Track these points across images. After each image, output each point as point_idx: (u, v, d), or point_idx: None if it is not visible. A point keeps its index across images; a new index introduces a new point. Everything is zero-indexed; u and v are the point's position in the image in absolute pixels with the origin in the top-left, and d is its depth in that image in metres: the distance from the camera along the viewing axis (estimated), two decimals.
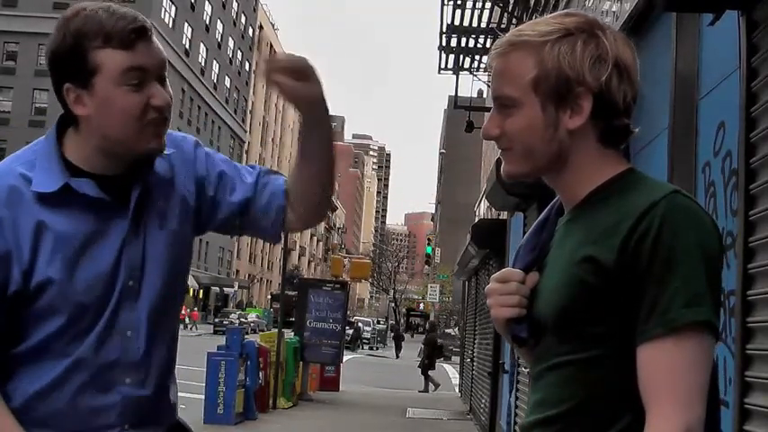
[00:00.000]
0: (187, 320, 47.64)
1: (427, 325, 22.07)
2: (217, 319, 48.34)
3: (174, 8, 57.25)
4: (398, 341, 47.56)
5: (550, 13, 1.58)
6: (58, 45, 1.69)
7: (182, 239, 1.86)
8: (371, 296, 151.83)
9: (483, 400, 14.28)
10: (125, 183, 1.75)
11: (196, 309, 56.44)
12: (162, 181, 1.82)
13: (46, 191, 1.68)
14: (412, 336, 61.19)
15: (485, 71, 14.51)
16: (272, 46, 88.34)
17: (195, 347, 26.17)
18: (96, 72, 1.66)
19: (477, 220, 19.03)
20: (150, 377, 1.80)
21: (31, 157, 1.74)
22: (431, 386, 21.24)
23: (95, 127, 1.70)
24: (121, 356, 1.74)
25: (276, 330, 15.32)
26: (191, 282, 62.31)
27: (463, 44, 13.53)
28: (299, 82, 1.78)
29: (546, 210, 1.61)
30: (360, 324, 50.03)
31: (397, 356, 44.58)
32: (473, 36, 13.34)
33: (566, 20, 1.48)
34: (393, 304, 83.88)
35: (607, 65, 1.45)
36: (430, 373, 21.74)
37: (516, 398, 9.72)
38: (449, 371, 32.79)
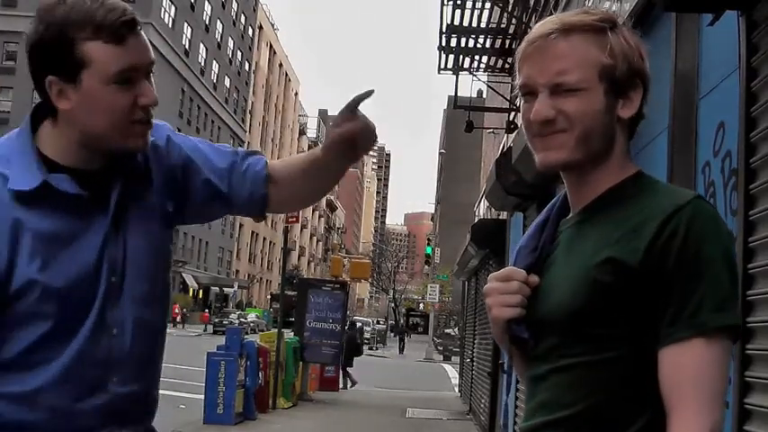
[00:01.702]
0: (178, 319, 47.69)
1: (348, 324, 22.18)
2: (216, 319, 48.33)
3: (173, 8, 57.24)
4: (402, 338, 51.63)
5: (550, 13, 1.58)
6: (41, 35, 1.59)
7: (162, 234, 1.81)
8: (371, 296, 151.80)
9: (483, 401, 14.28)
10: (103, 177, 1.69)
11: (207, 311, 56.45)
12: (140, 175, 1.76)
13: (23, 189, 1.60)
14: (409, 336, 61.27)
15: (485, 71, 14.51)
16: (271, 46, 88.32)
17: (195, 347, 26.19)
18: (84, 66, 1.59)
19: (476, 220, 19.04)
20: (136, 375, 1.76)
21: (5, 152, 1.66)
22: (348, 383, 21.34)
23: (78, 122, 1.63)
24: (108, 355, 1.68)
25: (276, 330, 15.31)
26: (190, 282, 62.66)
27: (463, 44, 13.51)
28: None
29: (545, 210, 1.59)
30: (359, 324, 50.09)
31: (401, 352, 47.56)
32: (473, 36, 13.33)
33: (598, 13, 1.47)
34: (393, 304, 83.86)
35: (645, 58, 1.48)
36: (349, 369, 21.80)
37: (516, 398, 9.71)
38: (449, 371, 32.77)
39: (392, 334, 71.37)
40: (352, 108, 1.76)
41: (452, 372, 30.67)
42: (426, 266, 57.06)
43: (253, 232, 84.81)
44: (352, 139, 1.76)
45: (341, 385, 20.20)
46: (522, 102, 1.50)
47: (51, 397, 1.64)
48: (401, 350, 49.24)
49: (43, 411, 1.63)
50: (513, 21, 11.59)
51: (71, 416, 1.66)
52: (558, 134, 1.44)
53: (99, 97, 1.60)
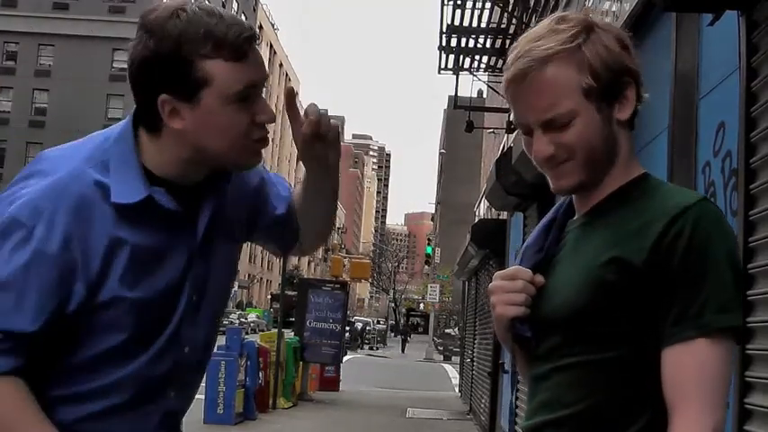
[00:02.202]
0: None
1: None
2: None
3: None
4: (404, 338, 53.46)
5: (550, 13, 1.57)
6: (155, 50, 1.50)
7: (237, 254, 1.81)
8: (371, 296, 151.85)
9: (483, 400, 14.28)
10: (196, 192, 1.64)
11: None
12: (229, 194, 1.71)
13: (126, 202, 1.55)
14: (410, 336, 61.47)
15: (485, 71, 14.52)
16: (271, 46, 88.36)
17: None
18: (205, 85, 1.51)
19: (477, 220, 19.05)
20: (193, 391, 1.77)
21: (103, 157, 1.58)
22: None
23: (191, 140, 1.56)
24: (173, 371, 1.67)
25: (276, 330, 15.32)
26: None
27: (463, 44, 13.52)
28: (322, 144, 1.67)
29: (552, 210, 1.60)
30: (359, 324, 50.23)
31: (403, 351, 48.79)
32: (473, 36, 13.33)
33: (571, 20, 1.46)
34: (393, 304, 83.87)
35: (629, 46, 1.47)
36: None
37: (516, 398, 9.71)
38: (449, 371, 32.78)
39: (392, 334, 71.52)
40: (293, 113, 1.69)
41: (452, 372, 30.67)
42: (426, 266, 57.15)
43: None
44: (311, 137, 1.66)
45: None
46: (523, 137, 1.51)
47: (108, 405, 1.62)
48: (403, 350, 50.13)
49: (100, 418, 1.62)
50: (513, 21, 11.60)
51: (126, 426, 1.65)
52: (564, 164, 1.45)
53: (219, 117, 1.53)
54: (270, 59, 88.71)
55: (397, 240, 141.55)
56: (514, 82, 1.44)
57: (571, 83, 1.41)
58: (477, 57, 14.04)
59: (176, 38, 1.49)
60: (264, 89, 1.64)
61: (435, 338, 48.56)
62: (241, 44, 1.51)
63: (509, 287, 1.49)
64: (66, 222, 1.51)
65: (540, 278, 1.49)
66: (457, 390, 22.42)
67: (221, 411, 11.78)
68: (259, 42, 1.57)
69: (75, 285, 1.53)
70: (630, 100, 1.46)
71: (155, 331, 1.62)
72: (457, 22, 12.91)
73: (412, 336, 57.77)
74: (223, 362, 11.96)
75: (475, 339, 16.94)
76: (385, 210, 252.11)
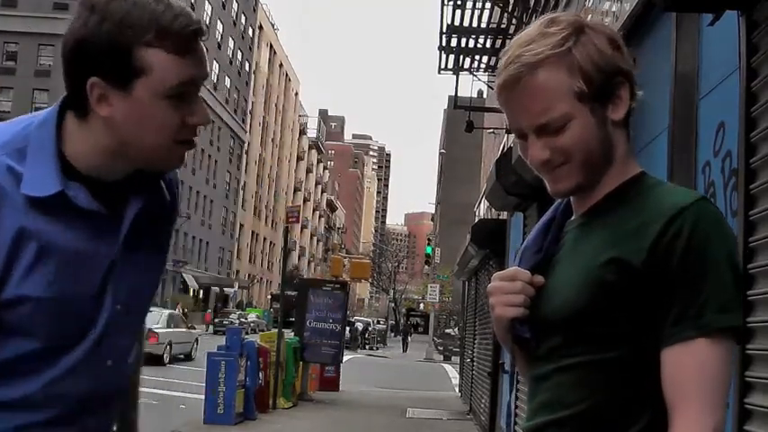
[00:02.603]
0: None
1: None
2: (217, 320, 48.33)
3: None
4: (405, 337, 53.88)
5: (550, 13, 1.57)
6: (93, 30, 1.38)
7: (163, 266, 1.68)
8: (371, 296, 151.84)
9: (483, 400, 14.29)
10: (120, 192, 1.51)
11: (209, 311, 56.48)
12: (157, 199, 1.60)
13: (36, 195, 1.41)
14: (411, 335, 61.60)
15: (485, 71, 14.52)
16: (271, 46, 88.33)
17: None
18: (140, 74, 1.40)
19: (477, 220, 19.05)
20: (116, 409, 1.63)
21: (21, 143, 1.45)
22: None
23: (116, 130, 1.44)
24: (96, 388, 1.52)
25: (276, 330, 15.32)
26: (191, 282, 62.61)
27: (463, 44, 13.52)
28: None
29: (550, 211, 1.60)
30: (359, 325, 50.30)
31: (404, 350, 49.43)
32: (473, 36, 13.34)
33: (561, 22, 1.45)
34: (393, 304, 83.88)
35: (621, 46, 1.46)
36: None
37: (516, 398, 9.71)
38: (449, 371, 32.78)
39: (392, 334, 71.59)
40: None
41: (452, 372, 30.68)
42: (426, 266, 57.15)
43: (253, 232, 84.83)
44: None
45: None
46: (518, 141, 1.51)
47: (23, 416, 1.47)
48: (405, 349, 50.53)
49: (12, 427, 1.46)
50: (513, 21, 11.60)
51: None
52: (560, 167, 1.45)
53: (149, 111, 1.42)
54: (270, 59, 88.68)
55: (397, 240, 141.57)
56: (506, 88, 1.44)
57: (563, 87, 1.41)
58: (477, 57, 14.05)
59: (119, 20, 1.38)
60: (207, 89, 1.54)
61: (435, 338, 48.57)
62: (186, 37, 1.42)
63: (508, 288, 1.49)
64: None
65: (539, 279, 1.49)
66: (457, 390, 22.43)
67: (221, 411, 11.78)
68: (205, 38, 1.47)
69: None
70: (624, 100, 1.46)
71: (72, 339, 1.48)
72: (457, 23, 12.92)
73: (412, 335, 57.91)
74: (223, 362, 11.96)
75: (475, 339, 16.94)
76: (385, 210, 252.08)
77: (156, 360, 21.40)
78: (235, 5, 72.13)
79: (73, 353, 1.48)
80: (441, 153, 78.85)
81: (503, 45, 12.50)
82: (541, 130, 1.43)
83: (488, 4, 12.50)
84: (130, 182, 1.53)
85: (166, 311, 26.51)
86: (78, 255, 1.46)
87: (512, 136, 11.61)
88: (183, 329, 25.65)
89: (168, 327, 23.59)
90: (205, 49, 1.50)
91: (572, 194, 1.51)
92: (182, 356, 24.86)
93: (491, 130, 17.94)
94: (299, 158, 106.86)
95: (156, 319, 22.76)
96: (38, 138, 1.46)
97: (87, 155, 1.48)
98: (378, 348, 50.96)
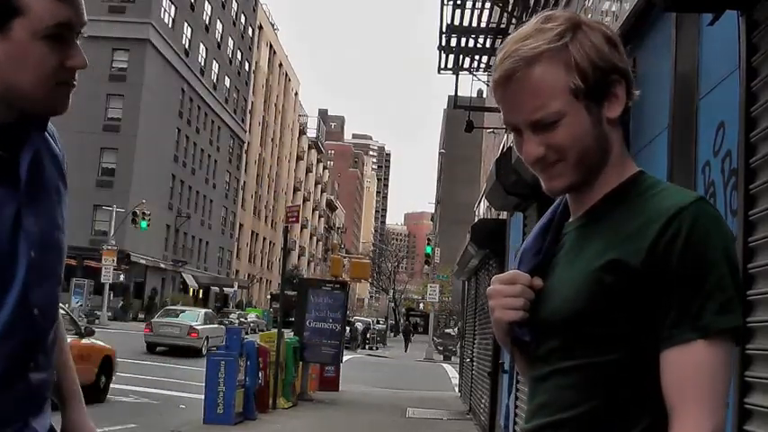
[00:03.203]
0: None
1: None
2: (217, 319, 48.38)
3: (173, 8, 57.23)
4: (407, 337, 54.73)
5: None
6: None
7: (63, 220, 1.68)
8: (371, 296, 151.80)
9: (483, 400, 14.29)
10: (11, 138, 1.55)
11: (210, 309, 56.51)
12: (48, 149, 1.65)
13: None
14: (413, 335, 61.71)
15: (484, 71, 14.52)
16: (271, 46, 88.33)
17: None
18: (18, 14, 1.47)
19: (476, 220, 19.04)
20: (49, 360, 1.64)
21: None
22: None
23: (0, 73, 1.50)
24: (30, 337, 1.55)
25: (276, 330, 15.32)
26: (190, 282, 62.64)
27: (463, 44, 13.53)
28: None
29: (549, 212, 1.59)
30: (359, 325, 50.32)
31: (406, 350, 49.78)
32: (473, 36, 13.35)
33: (558, 18, 1.45)
34: (393, 304, 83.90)
35: (618, 44, 1.45)
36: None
37: (516, 398, 9.71)
38: (449, 371, 32.79)
39: (392, 333, 71.59)
40: None
41: (452, 372, 30.68)
42: (426, 266, 57.15)
43: (252, 232, 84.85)
44: None
45: None
46: (513, 137, 1.50)
47: None
48: (406, 349, 50.88)
49: None
50: (513, 21, 11.60)
51: None
52: (555, 165, 1.44)
53: (27, 51, 1.48)
54: (269, 59, 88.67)
55: (396, 240, 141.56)
56: (502, 83, 1.43)
57: (559, 83, 1.40)
58: (476, 57, 14.06)
59: None
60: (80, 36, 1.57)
61: (435, 338, 48.59)
62: None
63: (507, 291, 1.48)
64: None
65: (538, 282, 1.48)
66: (457, 390, 22.43)
67: (221, 411, 11.77)
68: None
69: None
70: (620, 98, 1.45)
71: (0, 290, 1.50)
72: (457, 22, 12.92)
73: (414, 335, 58.14)
74: (223, 362, 11.97)
75: (474, 339, 16.94)
76: (385, 210, 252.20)
77: (195, 352, 25.27)
78: (235, 5, 72.11)
79: (2, 307, 1.49)
80: (440, 153, 78.87)
81: None
82: (536, 126, 1.42)
83: (488, 4, 12.51)
84: (22, 130, 1.57)
85: (202, 311, 31.04)
86: None
87: (512, 135, 11.58)
88: (216, 325, 29.82)
89: (205, 324, 27.80)
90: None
91: (567, 192, 1.50)
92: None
93: (491, 130, 17.94)
94: (299, 158, 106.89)
95: (195, 317, 27.88)
96: None
97: None
98: (377, 348, 50.96)
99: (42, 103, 1.55)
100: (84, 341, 13.28)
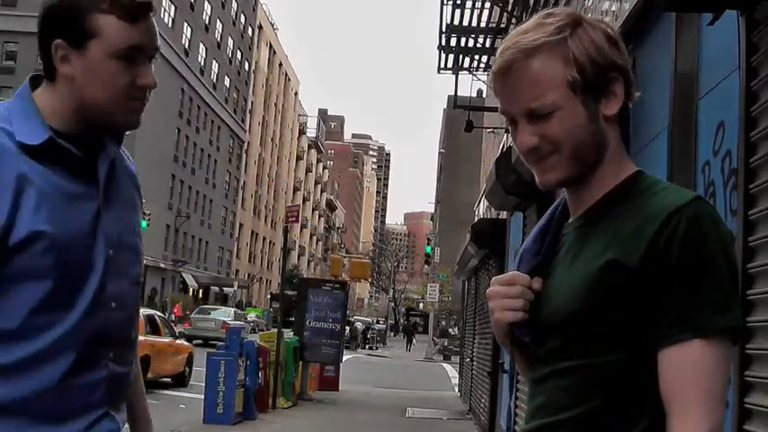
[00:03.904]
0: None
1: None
2: (242, 317, 48.55)
3: (173, 8, 57.20)
4: (409, 336, 55.35)
5: None
6: (57, 1, 1.66)
7: (138, 220, 1.86)
8: (371, 296, 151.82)
9: (483, 400, 14.28)
10: (91, 150, 1.71)
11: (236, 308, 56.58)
12: (122, 161, 1.83)
13: (32, 143, 1.62)
14: (414, 335, 61.73)
15: (484, 71, 14.52)
16: (271, 46, 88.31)
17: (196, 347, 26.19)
18: (93, 36, 1.64)
19: (476, 220, 19.03)
20: (128, 354, 1.76)
21: (5, 113, 1.68)
22: None
23: (76, 89, 1.67)
24: (106, 330, 1.68)
25: (276, 330, 15.31)
26: (190, 281, 62.63)
27: (463, 44, 13.53)
28: None
29: (548, 213, 1.59)
30: (359, 324, 50.29)
31: (408, 349, 50.56)
32: (473, 36, 13.35)
33: (559, 14, 1.45)
34: (392, 304, 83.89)
35: (618, 42, 1.45)
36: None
37: (517, 398, 9.71)
38: (449, 370, 32.78)
39: (392, 333, 71.61)
40: None
41: (452, 371, 30.67)
42: (426, 266, 57.21)
43: (252, 232, 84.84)
44: None
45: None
46: (510, 128, 1.50)
47: (48, 371, 1.60)
48: (408, 348, 51.25)
49: (40, 388, 1.59)
50: (513, 21, 11.60)
51: (70, 395, 1.62)
52: (549, 157, 1.45)
53: (101, 68, 1.65)
54: (270, 59, 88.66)
55: (396, 240, 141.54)
56: (501, 74, 1.44)
57: (557, 74, 1.41)
58: (476, 56, 14.06)
59: None
60: (153, 59, 1.73)
61: (435, 338, 48.59)
62: (134, 7, 1.66)
63: (507, 293, 1.48)
64: None
65: (538, 283, 1.48)
66: (457, 389, 22.43)
67: (221, 411, 11.77)
68: (154, 14, 1.71)
69: None
70: (618, 96, 1.45)
71: (79, 280, 1.64)
72: (456, 22, 12.92)
73: (415, 336, 58.20)
74: (223, 362, 11.96)
75: (474, 339, 16.94)
76: (384, 209, 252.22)
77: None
78: (234, 5, 72.10)
79: (83, 295, 1.64)
80: (440, 152, 78.90)
81: None
82: (531, 116, 1.43)
83: (488, 4, 12.51)
84: (97, 140, 1.73)
85: (231, 309, 38.86)
86: (68, 198, 1.66)
87: (511, 135, 11.59)
88: (242, 322, 34.07)
89: (235, 320, 32.57)
90: (155, 24, 1.72)
91: (560, 187, 1.50)
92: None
93: (491, 130, 17.94)
94: (299, 158, 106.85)
95: (227, 314, 34.29)
96: (17, 106, 1.70)
97: (57, 115, 1.69)
98: (377, 348, 50.95)
99: (115, 117, 1.70)
100: (177, 341, 17.28)
